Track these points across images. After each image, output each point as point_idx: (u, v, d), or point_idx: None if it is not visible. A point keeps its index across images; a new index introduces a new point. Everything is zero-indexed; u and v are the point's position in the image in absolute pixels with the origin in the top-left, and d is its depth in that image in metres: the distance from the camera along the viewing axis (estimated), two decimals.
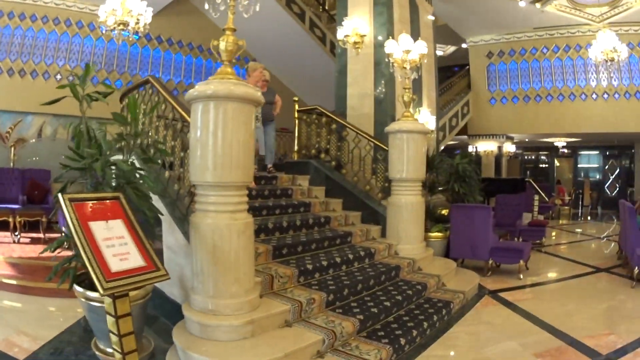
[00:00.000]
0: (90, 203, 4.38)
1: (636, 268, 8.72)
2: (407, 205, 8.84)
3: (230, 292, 5.08)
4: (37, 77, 13.87)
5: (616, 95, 19.23)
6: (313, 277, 6.69)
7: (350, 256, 7.50)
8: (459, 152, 19.16)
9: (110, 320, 4.03)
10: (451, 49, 24.69)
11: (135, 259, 4.22)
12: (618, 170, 28.67)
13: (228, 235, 5.06)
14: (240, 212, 5.30)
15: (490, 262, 9.74)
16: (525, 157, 31.41)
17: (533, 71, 20.72)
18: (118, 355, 4.02)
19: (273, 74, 18.24)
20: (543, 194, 16.43)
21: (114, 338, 4.02)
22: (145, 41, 16.01)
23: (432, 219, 10.42)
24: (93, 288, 4.22)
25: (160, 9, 15.09)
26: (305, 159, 11.06)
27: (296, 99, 11.52)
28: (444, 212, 10.79)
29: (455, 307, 7.22)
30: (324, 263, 6.93)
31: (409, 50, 8.94)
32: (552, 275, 10.06)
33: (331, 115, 10.89)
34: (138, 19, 9.52)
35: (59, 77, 14.22)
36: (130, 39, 10.59)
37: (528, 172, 30.57)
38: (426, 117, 11.92)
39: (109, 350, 4.35)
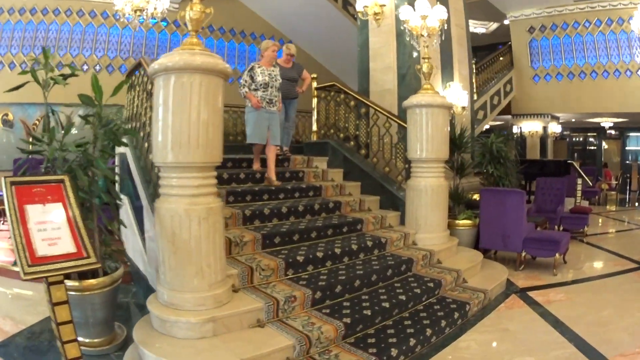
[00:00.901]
0: (34, 186, 4.16)
1: None
2: (427, 189, 7.82)
3: (191, 285, 4.58)
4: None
5: None
6: (305, 270, 5.85)
7: (354, 247, 6.57)
8: (505, 132, 18.02)
9: (48, 307, 3.80)
10: (493, 25, 23.57)
11: (65, 245, 3.94)
12: None
13: (187, 221, 4.53)
14: (204, 196, 4.69)
15: (524, 254, 8.66)
16: (573, 139, 30.31)
17: (576, 46, 19.61)
18: (58, 344, 3.78)
19: (310, 54, 18.36)
20: (587, 178, 14.99)
21: (53, 325, 3.79)
22: (174, 27, 15.88)
23: (462, 204, 9.48)
24: None
25: None
26: (324, 140, 10.23)
27: (315, 75, 10.53)
28: (475, 196, 9.74)
29: (473, 308, 6.21)
30: (319, 255, 6.04)
31: (425, 15, 7.99)
32: (591, 271, 8.81)
33: (348, 91, 9.99)
34: (156, 6, 9.28)
35: (85, 67, 14.46)
36: (148, 25, 10.16)
37: (575, 155, 29.52)
38: (457, 93, 10.86)
39: (79, 338, 4.04)
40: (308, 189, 8.13)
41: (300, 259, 5.80)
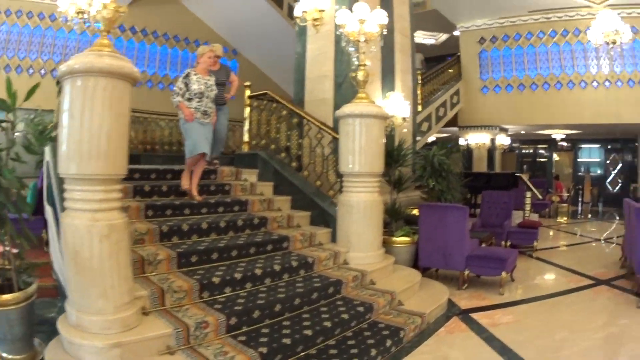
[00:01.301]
0: None
1: None
2: (359, 204, 7.48)
3: (96, 307, 4.29)
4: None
5: (618, 83, 17.86)
6: (222, 292, 5.48)
7: (278, 267, 6.20)
8: (450, 145, 17.69)
9: None
10: (443, 37, 23.64)
11: None
12: (621, 164, 27.59)
13: (88, 238, 4.25)
14: (104, 212, 4.39)
15: (467, 272, 8.30)
16: (523, 151, 30.32)
17: (528, 57, 19.43)
18: None
19: (255, 64, 18.55)
20: (536, 191, 14.62)
21: None
22: (119, 32, 15.47)
23: (401, 220, 9.10)
24: None
25: None
26: (255, 151, 9.81)
27: (248, 83, 10.24)
28: (415, 212, 9.40)
29: (409, 334, 5.84)
30: (238, 275, 5.68)
31: (364, 19, 7.58)
32: (541, 289, 8.41)
33: (280, 100, 9.71)
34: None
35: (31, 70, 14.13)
36: (95, 29, 9.62)
37: (525, 167, 29.61)
38: (398, 103, 10.43)
39: (4, 354, 4.20)
40: (233, 204, 7.77)
41: (216, 280, 5.45)
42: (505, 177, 16.15)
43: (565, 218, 19.17)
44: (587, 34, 13.78)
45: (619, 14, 12.95)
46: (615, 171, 27.66)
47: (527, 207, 12.82)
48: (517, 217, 12.63)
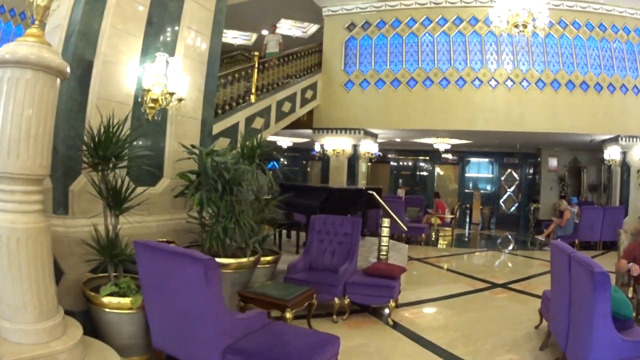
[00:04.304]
0: None
1: None
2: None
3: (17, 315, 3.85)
4: None
5: (524, 83, 15.32)
6: None
7: None
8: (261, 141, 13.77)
9: None
10: (312, 28, 20.48)
11: None
12: (518, 181, 25.33)
13: (5, 242, 3.87)
14: (24, 214, 3.94)
15: None
16: (400, 162, 27.10)
17: (408, 48, 16.32)
18: None
19: None
20: (394, 216, 9.39)
21: None
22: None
23: (121, 263, 5.51)
24: None
25: None
26: None
27: None
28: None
29: None
30: None
31: None
32: None
33: None
34: None
35: None
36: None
37: (401, 181, 26.62)
38: (173, 73, 6.62)
39: None
40: None
41: None
42: (352, 195, 11.29)
43: (447, 246, 16.12)
44: (488, 25, 12.08)
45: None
46: (512, 189, 25.36)
47: (383, 242, 8.47)
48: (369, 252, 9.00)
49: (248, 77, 12.92)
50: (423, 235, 15.50)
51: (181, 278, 4.36)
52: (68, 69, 4.29)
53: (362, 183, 17.99)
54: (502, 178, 25.21)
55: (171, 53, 7.09)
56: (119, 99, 6.26)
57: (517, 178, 25.05)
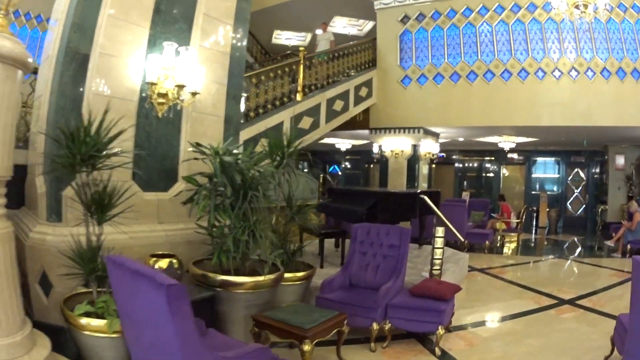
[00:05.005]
0: None
1: None
2: None
3: None
4: None
5: (589, 73, 13.82)
6: None
7: None
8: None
9: None
10: (368, 25, 19.56)
11: None
12: (585, 182, 23.77)
13: None
14: None
15: None
16: (464, 164, 26.03)
17: (465, 39, 15.21)
18: None
19: None
20: (449, 224, 8.14)
21: None
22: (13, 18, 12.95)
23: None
24: None
25: None
26: None
27: None
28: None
29: None
30: None
31: None
32: None
33: None
34: None
35: None
36: None
37: (465, 183, 25.50)
38: (185, 65, 5.98)
39: None
40: None
41: None
42: (403, 199, 10.03)
43: (513, 254, 14.86)
44: (547, 11, 12.23)
45: None
46: (579, 190, 23.85)
47: (437, 255, 7.35)
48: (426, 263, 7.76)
49: (293, 73, 12.17)
50: (487, 242, 14.39)
51: (146, 304, 3.56)
52: (30, 60, 4.04)
53: (422, 186, 17.12)
54: (569, 178, 23.92)
55: (186, 43, 6.43)
56: (120, 94, 5.71)
57: (584, 178, 23.70)
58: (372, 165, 27.24)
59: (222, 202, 5.46)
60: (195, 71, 6.10)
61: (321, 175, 24.18)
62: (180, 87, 5.86)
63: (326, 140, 21.05)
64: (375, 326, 5.99)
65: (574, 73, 13.93)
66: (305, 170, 27.02)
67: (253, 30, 18.63)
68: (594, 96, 13.75)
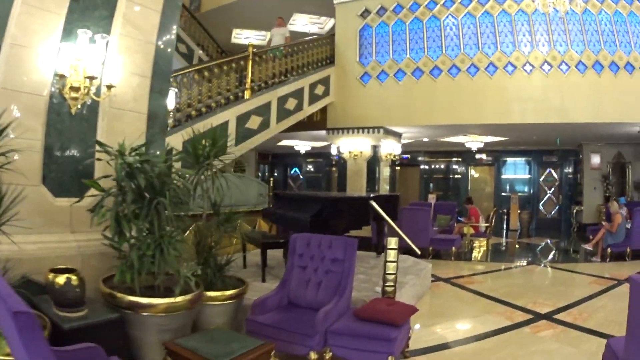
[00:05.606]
0: None
1: None
2: None
3: None
4: None
5: (563, 67, 13.54)
6: None
7: None
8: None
9: None
10: (330, 22, 19.36)
11: None
12: (558, 182, 23.34)
13: None
14: None
15: None
16: (430, 166, 25.55)
17: (429, 33, 14.83)
18: None
19: None
20: (401, 233, 7.12)
21: None
22: None
23: None
24: None
25: None
26: None
27: None
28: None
29: None
30: None
31: None
32: None
33: None
34: None
35: None
36: None
37: (432, 186, 24.96)
38: (103, 53, 5.60)
39: None
40: None
41: None
42: (351, 205, 8.20)
43: (482, 260, 14.22)
44: (517, 2, 12.53)
45: None
46: (551, 191, 23.38)
47: (389, 270, 6.29)
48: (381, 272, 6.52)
49: (241, 70, 11.58)
50: (454, 248, 13.58)
51: (9, 332, 2.78)
52: None
53: (385, 189, 16.59)
54: (541, 179, 23.47)
55: (107, 32, 5.76)
56: (29, 88, 5.18)
57: (557, 178, 23.26)
58: (333, 168, 26.47)
59: (124, 210, 4.65)
60: (111, 62, 5.49)
61: (271, 179, 23.36)
62: (91, 78, 5.26)
63: (285, 142, 20.60)
64: (313, 355, 5.07)
65: (546, 67, 13.66)
66: (267, 173, 26.21)
67: (210, 28, 18.58)
68: (569, 91, 13.45)
